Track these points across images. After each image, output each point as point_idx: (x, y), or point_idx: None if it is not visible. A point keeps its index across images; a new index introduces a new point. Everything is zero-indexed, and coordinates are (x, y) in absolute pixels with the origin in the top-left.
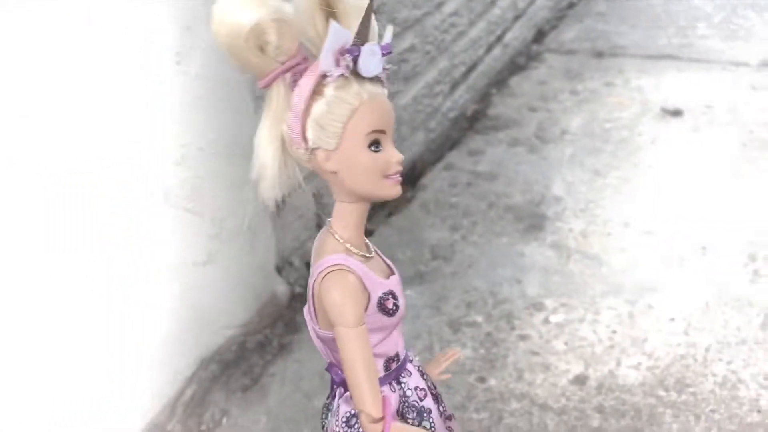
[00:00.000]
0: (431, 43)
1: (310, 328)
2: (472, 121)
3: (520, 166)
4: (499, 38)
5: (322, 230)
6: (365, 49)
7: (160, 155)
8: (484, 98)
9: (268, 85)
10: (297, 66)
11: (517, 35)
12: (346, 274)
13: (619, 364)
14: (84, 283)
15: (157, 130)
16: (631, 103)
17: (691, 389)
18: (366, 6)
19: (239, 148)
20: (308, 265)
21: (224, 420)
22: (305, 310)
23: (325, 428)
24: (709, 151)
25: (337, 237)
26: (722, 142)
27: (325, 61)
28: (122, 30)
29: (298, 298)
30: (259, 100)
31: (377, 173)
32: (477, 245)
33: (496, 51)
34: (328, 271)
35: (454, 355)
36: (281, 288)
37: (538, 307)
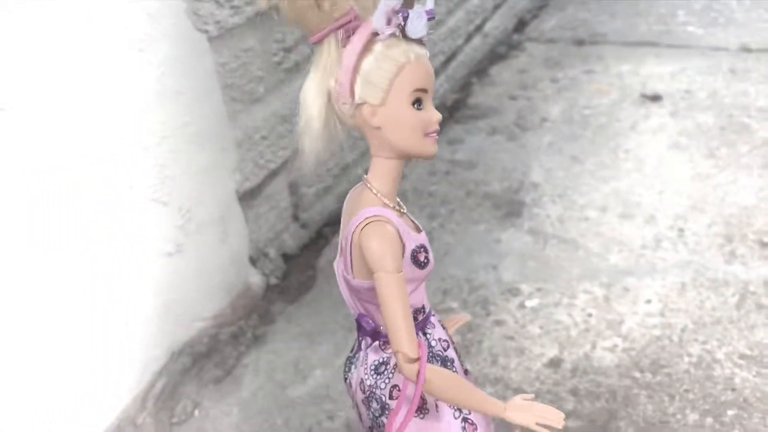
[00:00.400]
0: None
1: (341, 281)
2: (452, 111)
3: (499, 154)
4: (479, 28)
5: (357, 186)
6: (414, 11)
7: (124, 145)
8: (464, 88)
9: (319, 41)
10: (349, 24)
11: (498, 25)
12: (385, 224)
13: (594, 346)
14: (49, 278)
15: (119, 120)
16: (610, 89)
17: (666, 370)
18: None
19: (206, 136)
20: (284, 257)
21: (196, 412)
22: (336, 264)
23: (348, 381)
24: (688, 135)
25: (374, 191)
26: (701, 127)
27: (377, 21)
28: (84, 19)
29: (274, 290)
30: (228, 89)
31: (419, 130)
32: (454, 233)
33: (476, 40)
34: (368, 221)
35: (461, 320)
36: (256, 279)
37: (514, 292)
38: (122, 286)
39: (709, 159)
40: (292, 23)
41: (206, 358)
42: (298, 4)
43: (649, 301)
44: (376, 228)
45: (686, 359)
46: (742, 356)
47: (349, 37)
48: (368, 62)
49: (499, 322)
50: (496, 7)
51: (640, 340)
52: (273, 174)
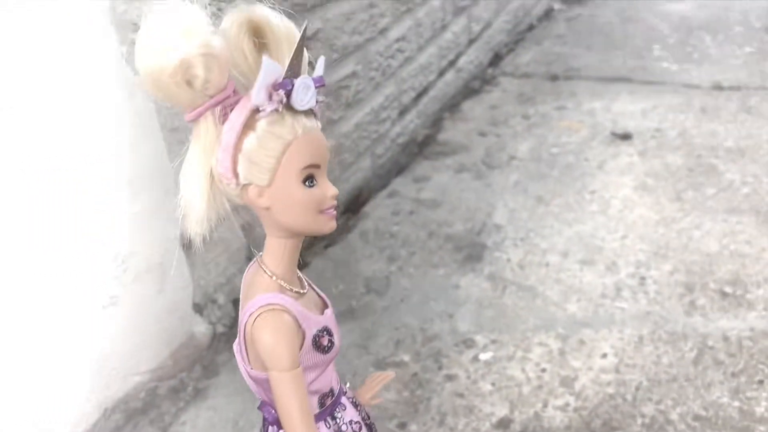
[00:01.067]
0: (375, 69)
1: (240, 367)
2: (422, 147)
3: (464, 193)
4: (452, 63)
5: (251, 265)
6: (298, 82)
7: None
8: (436, 123)
9: (195, 120)
10: (227, 99)
11: (473, 59)
12: (280, 314)
13: (545, 405)
14: None
15: (53, 160)
16: (580, 126)
17: None
18: (298, 38)
19: (146, 180)
20: (235, 302)
21: None
22: (235, 347)
23: None
24: (656, 177)
25: (269, 273)
26: (669, 167)
27: (257, 96)
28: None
29: (221, 338)
30: (174, 132)
31: (312, 208)
32: (412, 277)
33: (449, 75)
34: (260, 311)
35: (385, 378)
36: (201, 328)
37: (469, 344)
38: (52, 337)
39: (675, 202)
40: (164, 102)
41: (142, 414)
42: (166, 84)
43: (604, 356)
44: (270, 320)
45: (639, 420)
46: (696, 417)
47: (226, 114)
48: (250, 141)
49: (450, 377)
50: (471, 41)
51: (593, 399)
52: (224, 216)
